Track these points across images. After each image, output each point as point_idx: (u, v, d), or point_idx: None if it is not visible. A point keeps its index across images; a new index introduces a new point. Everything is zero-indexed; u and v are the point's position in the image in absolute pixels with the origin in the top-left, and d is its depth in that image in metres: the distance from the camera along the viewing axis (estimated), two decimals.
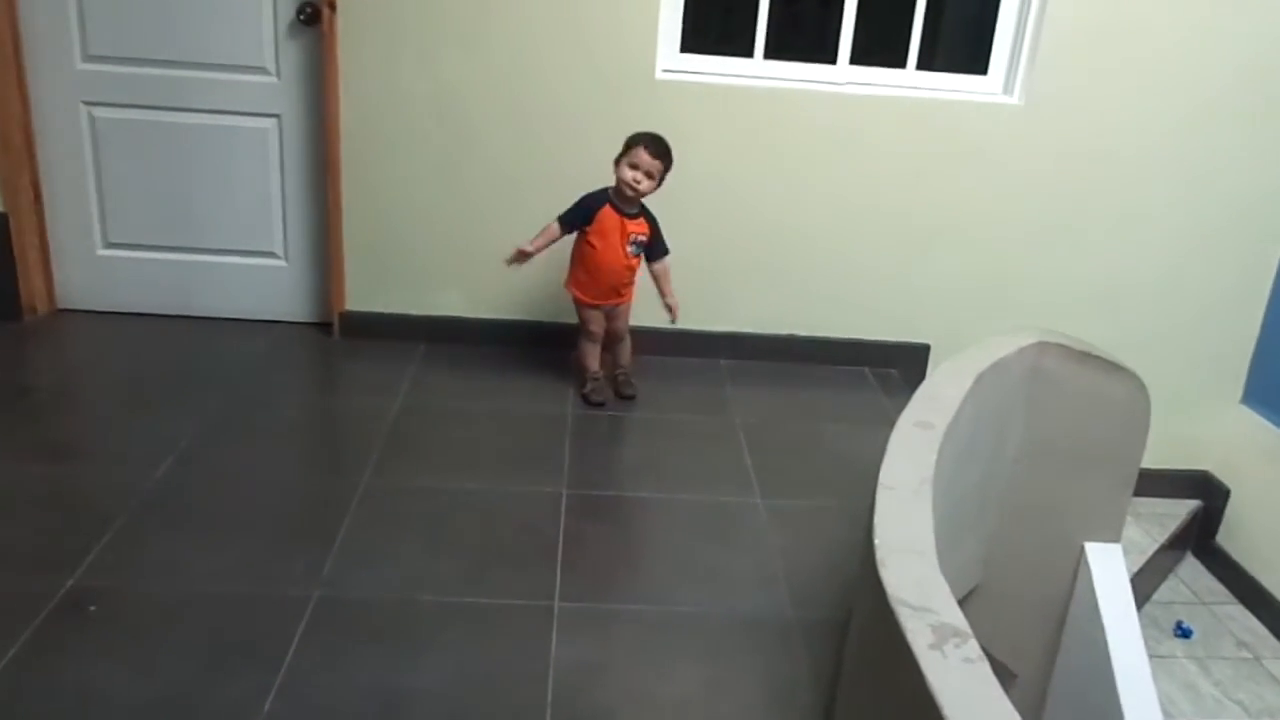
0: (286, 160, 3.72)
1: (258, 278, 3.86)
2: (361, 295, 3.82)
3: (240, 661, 2.15)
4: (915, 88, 3.72)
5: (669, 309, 3.39)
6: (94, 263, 3.82)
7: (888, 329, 3.93)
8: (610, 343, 3.48)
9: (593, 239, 3.27)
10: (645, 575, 2.58)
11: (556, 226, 3.28)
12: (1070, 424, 2.62)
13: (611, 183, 3.26)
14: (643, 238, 3.29)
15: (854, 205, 3.77)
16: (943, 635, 1.41)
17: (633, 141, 3.19)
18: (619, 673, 2.23)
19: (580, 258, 3.33)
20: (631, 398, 3.46)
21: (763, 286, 3.86)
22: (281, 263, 3.86)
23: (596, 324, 3.41)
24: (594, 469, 3.06)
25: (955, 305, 3.90)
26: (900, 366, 3.93)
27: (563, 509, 2.82)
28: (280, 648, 2.19)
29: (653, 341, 3.82)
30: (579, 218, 3.28)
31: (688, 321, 3.83)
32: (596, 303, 3.37)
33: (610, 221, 3.26)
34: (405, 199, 3.69)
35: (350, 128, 3.60)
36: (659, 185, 3.21)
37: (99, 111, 3.65)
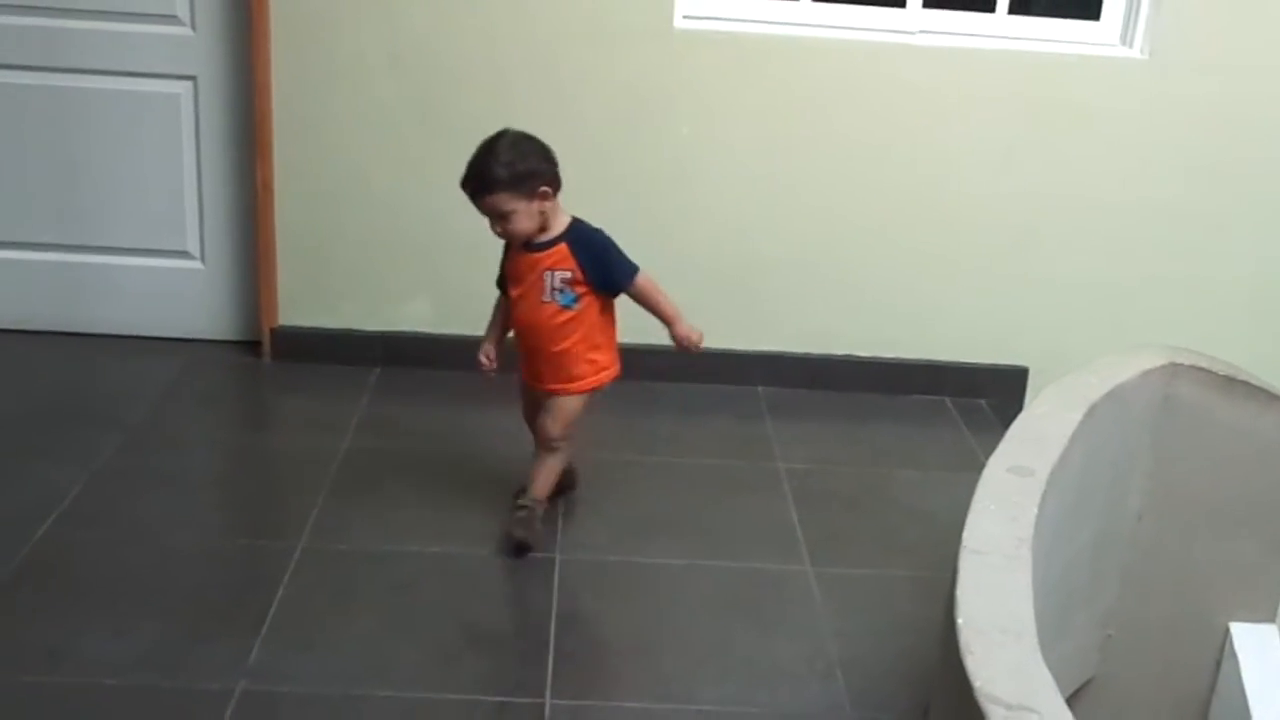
0: (203, 135, 3.75)
1: (166, 284, 3.88)
2: (299, 306, 3.83)
3: None
4: (1007, 38, 3.73)
5: (677, 341, 2.94)
6: None
7: (973, 348, 3.93)
8: (542, 449, 2.99)
9: (511, 289, 2.91)
10: (659, 664, 2.56)
11: (500, 294, 2.99)
12: (1211, 470, 2.60)
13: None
14: (568, 275, 2.81)
15: (928, 190, 3.77)
16: None
17: (463, 187, 2.77)
18: None
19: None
20: (518, 545, 2.90)
21: (810, 295, 3.86)
22: (197, 265, 3.88)
23: (525, 414, 3.05)
24: (595, 527, 3.05)
25: (1060, 317, 3.89)
26: (990, 395, 3.93)
27: (555, 579, 2.81)
28: None
29: (670, 364, 3.82)
30: (500, 269, 2.95)
31: (714, 340, 3.82)
32: (530, 383, 2.98)
33: (517, 263, 2.87)
34: (356, 184, 3.70)
35: (285, 93, 3.62)
36: (546, 204, 2.77)
37: None
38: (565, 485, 3.12)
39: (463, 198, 3.65)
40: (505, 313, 2.96)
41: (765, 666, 2.57)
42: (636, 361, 3.80)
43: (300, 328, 3.84)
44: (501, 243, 2.87)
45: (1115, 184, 3.79)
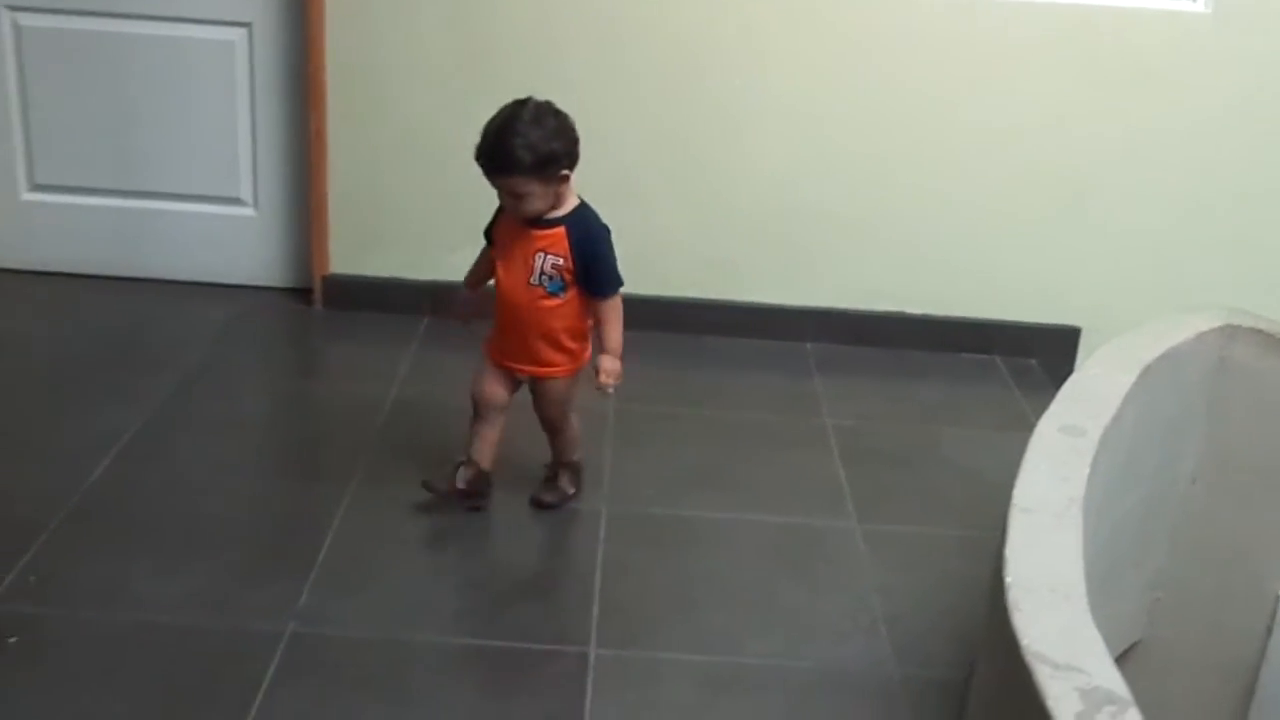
0: (258, 81, 3.75)
1: (219, 231, 3.90)
2: (350, 255, 3.84)
3: (194, 712, 2.18)
4: None
5: (600, 371, 2.67)
6: (16, 210, 3.88)
7: (1025, 307, 3.90)
8: (546, 430, 2.89)
9: (495, 255, 2.73)
10: (705, 617, 2.57)
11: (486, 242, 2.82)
12: (1266, 434, 2.57)
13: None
14: (559, 261, 2.62)
15: (981, 145, 3.73)
16: (1095, 703, 1.39)
17: (477, 159, 2.58)
18: None
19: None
20: (549, 506, 2.89)
21: (859, 249, 3.84)
22: (249, 212, 3.90)
23: (481, 386, 2.79)
24: (642, 481, 3.06)
25: (1114, 277, 3.85)
26: (1041, 355, 3.90)
27: (601, 531, 2.83)
28: (245, 695, 2.22)
29: (718, 318, 3.81)
30: (492, 219, 2.77)
31: (763, 294, 3.83)
32: (501, 361, 2.78)
33: (508, 230, 2.68)
34: (407, 133, 3.70)
35: (340, 39, 3.62)
36: (560, 185, 2.61)
37: (24, 19, 3.70)
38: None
39: None
40: (489, 264, 2.76)
41: (809, 621, 2.57)
42: (686, 315, 3.83)
43: (350, 276, 3.85)
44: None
45: (1173, 141, 3.73)
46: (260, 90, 3.75)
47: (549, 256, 2.62)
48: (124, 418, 3.12)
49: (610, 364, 2.68)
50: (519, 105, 2.56)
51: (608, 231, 2.69)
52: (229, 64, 3.73)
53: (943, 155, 3.74)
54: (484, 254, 2.80)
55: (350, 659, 2.35)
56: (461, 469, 2.77)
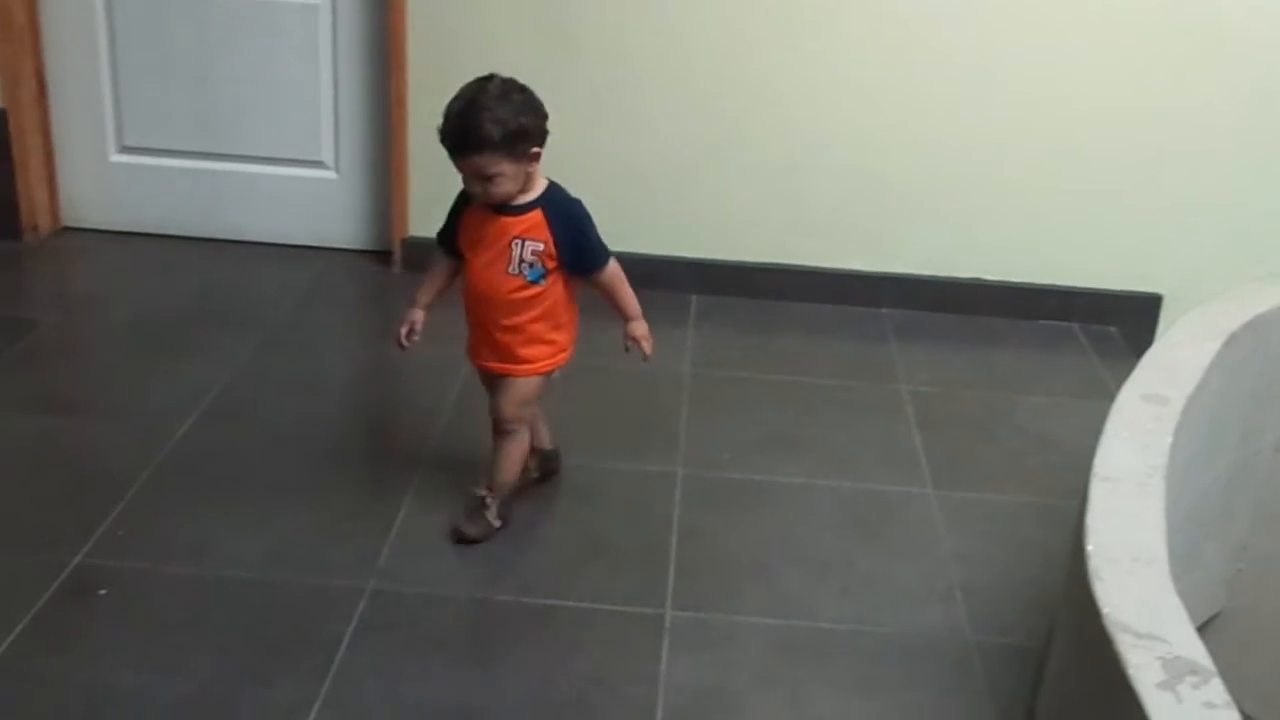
0: (340, 46, 3.78)
1: (302, 193, 3.95)
2: (429, 218, 3.80)
3: (278, 665, 2.22)
4: None
5: (632, 338, 2.60)
6: (105, 171, 3.95)
7: (1106, 273, 3.85)
8: (495, 434, 2.65)
9: (465, 251, 2.55)
10: (780, 581, 2.57)
11: (439, 251, 2.65)
12: None
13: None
14: (539, 247, 2.46)
15: (1058, 109, 3.67)
16: (1177, 672, 1.38)
17: (442, 141, 2.40)
18: (745, 702, 2.23)
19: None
20: (469, 540, 2.61)
21: (938, 216, 3.80)
22: (331, 175, 3.93)
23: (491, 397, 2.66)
24: (717, 444, 3.06)
25: (1196, 243, 3.79)
26: (1122, 323, 3.85)
27: (677, 493, 2.83)
28: (326, 650, 2.26)
29: (794, 283, 3.80)
30: (447, 223, 2.60)
31: (841, 260, 3.81)
32: (475, 362, 2.66)
33: (477, 223, 2.51)
34: None
35: (421, 8, 3.64)
36: (531, 165, 2.43)
37: None
38: (549, 470, 2.86)
39: (592, 116, 3.68)
40: (446, 275, 2.62)
41: (885, 587, 2.57)
42: (760, 280, 3.83)
43: (429, 239, 3.83)
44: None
45: (1257, 104, 3.65)
46: (343, 54, 3.79)
47: (529, 243, 2.45)
48: (209, 376, 3.18)
49: (637, 329, 2.59)
50: (483, 82, 2.40)
51: (583, 205, 2.53)
52: (313, 28, 3.76)
53: (1019, 121, 3.69)
54: (440, 265, 2.63)
55: (428, 617, 2.38)
56: (490, 504, 2.64)
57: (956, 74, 3.65)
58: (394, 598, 2.42)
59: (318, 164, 3.91)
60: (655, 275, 3.79)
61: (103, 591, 2.38)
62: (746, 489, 2.89)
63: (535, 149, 2.41)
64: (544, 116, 2.43)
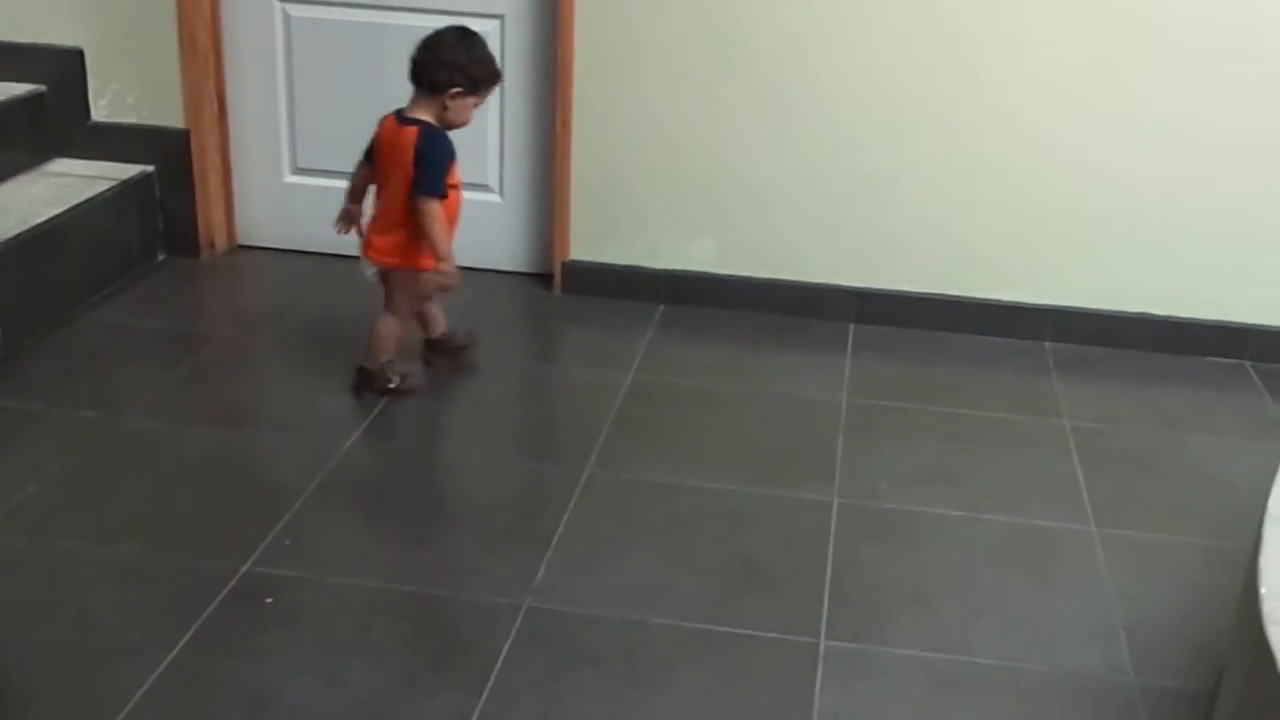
0: (508, 71, 3.85)
1: (467, 216, 3.97)
2: (590, 242, 3.93)
3: (437, 677, 2.27)
4: None
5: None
6: (279, 191, 4.10)
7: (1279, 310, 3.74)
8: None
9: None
10: (936, 614, 2.55)
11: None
12: None
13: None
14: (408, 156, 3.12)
15: (1225, 139, 3.57)
16: None
17: (495, 75, 3.14)
18: None
19: None
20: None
21: (1103, 248, 3.73)
22: (495, 198, 4.01)
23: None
24: (875, 474, 3.04)
25: None
26: None
27: (833, 522, 2.83)
28: (484, 666, 2.30)
29: (957, 315, 3.77)
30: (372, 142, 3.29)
31: (1004, 292, 3.76)
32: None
33: (388, 133, 3.20)
34: (649, 125, 3.76)
35: (588, 34, 3.70)
36: None
37: (294, 9, 3.91)
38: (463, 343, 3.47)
39: (753, 140, 3.70)
40: (365, 180, 3.25)
41: (1044, 624, 2.52)
42: (924, 311, 3.80)
43: (590, 263, 3.93)
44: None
45: None
46: (509, 80, 3.85)
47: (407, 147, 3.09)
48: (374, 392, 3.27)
49: (443, 265, 3.13)
50: (466, 30, 3.11)
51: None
52: None
53: (1185, 152, 3.61)
54: (361, 169, 3.26)
55: (584, 636, 2.41)
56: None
57: (1128, 108, 3.59)
58: (550, 615, 2.46)
59: (483, 187, 3.99)
60: (814, 303, 3.81)
61: (269, 600, 2.46)
62: (904, 520, 2.87)
63: None
64: None
